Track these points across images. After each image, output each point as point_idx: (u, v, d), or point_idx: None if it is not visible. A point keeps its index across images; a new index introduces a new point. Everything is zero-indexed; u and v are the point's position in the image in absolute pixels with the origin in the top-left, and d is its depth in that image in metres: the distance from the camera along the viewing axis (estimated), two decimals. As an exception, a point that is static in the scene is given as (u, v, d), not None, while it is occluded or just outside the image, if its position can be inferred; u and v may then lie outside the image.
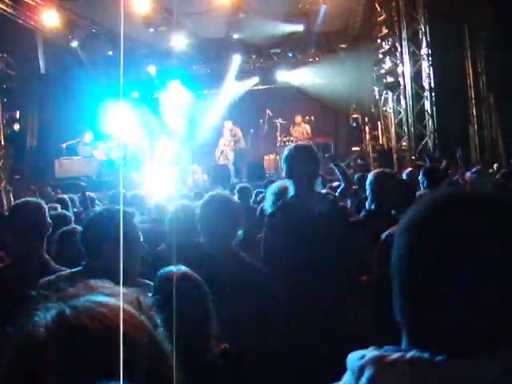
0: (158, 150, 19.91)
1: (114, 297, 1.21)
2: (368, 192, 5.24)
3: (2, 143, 17.76)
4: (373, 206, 5.13)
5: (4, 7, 17.50)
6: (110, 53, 20.78)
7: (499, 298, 1.09)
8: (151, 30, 18.41)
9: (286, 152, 4.48)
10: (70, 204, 8.49)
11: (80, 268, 3.15)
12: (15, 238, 3.79)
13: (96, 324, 1.10)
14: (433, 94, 15.19)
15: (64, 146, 19.72)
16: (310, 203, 4.05)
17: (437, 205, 1.21)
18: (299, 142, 4.68)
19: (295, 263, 3.95)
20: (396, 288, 1.21)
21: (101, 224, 3.00)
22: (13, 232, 3.82)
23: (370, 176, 5.32)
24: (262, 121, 19.68)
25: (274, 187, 5.17)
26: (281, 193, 4.89)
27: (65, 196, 9.42)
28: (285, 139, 19.21)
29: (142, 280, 3.19)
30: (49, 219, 3.80)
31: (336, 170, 6.02)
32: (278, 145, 19.46)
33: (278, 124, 19.51)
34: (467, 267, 1.10)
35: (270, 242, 4.17)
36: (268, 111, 19.60)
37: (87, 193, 8.98)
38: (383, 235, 3.77)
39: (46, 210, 3.88)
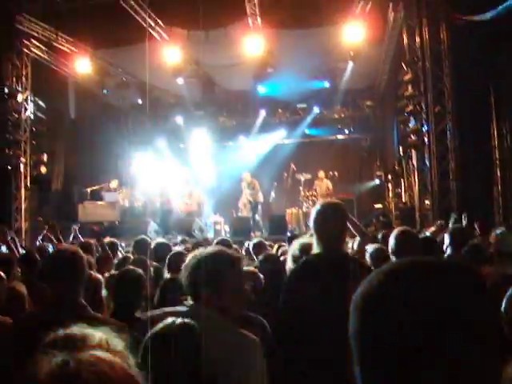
0: (182, 199, 20.01)
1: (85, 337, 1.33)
2: (390, 251, 5.19)
3: (28, 185, 17.99)
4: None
5: (39, 53, 18.00)
6: (139, 101, 21.12)
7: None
8: (180, 80, 18.68)
9: (314, 208, 4.43)
10: (94, 249, 8.56)
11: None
12: (52, 284, 3.76)
13: (94, 380, 1.16)
14: (457, 154, 15.19)
15: (89, 190, 19.93)
16: (335, 263, 3.99)
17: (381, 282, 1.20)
18: (328, 200, 4.58)
19: (315, 328, 3.85)
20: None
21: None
22: (50, 278, 3.83)
23: (392, 234, 5.27)
24: (286, 174, 19.74)
25: (297, 243, 5.13)
26: (304, 250, 4.84)
27: (91, 241, 9.50)
28: (308, 194, 19.23)
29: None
30: (87, 268, 3.80)
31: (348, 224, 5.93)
32: (300, 199, 19.47)
33: (302, 178, 19.56)
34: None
35: (289, 300, 4.10)
36: (292, 165, 19.68)
37: (110, 239, 9.02)
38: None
39: (85, 257, 3.89)
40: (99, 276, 5.16)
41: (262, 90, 20.11)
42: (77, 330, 1.41)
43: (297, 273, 4.22)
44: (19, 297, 4.66)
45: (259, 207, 19.72)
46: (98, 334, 1.40)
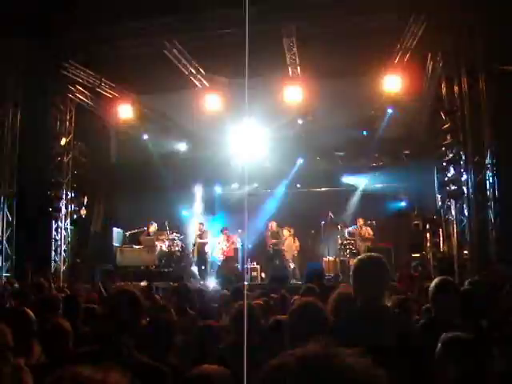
0: (219, 245, 20.09)
1: None
2: (430, 301, 5.16)
3: (68, 227, 18.27)
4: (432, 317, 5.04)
5: (84, 98, 18.45)
6: (179, 146, 21.38)
7: None
8: (220, 127, 18.94)
9: (355, 262, 4.44)
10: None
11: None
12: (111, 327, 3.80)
13: None
14: (497, 204, 15.04)
15: (127, 234, 20.14)
16: (376, 318, 3.96)
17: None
18: (369, 253, 4.56)
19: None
20: None
21: None
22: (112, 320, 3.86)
23: (432, 285, 5.24)
24: (323, 222, 19.70)
25: (336, 296, 5.11)
26: (344, 302, 4.83)
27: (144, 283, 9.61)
28: (345, 242, 19.14)
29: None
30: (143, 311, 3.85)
31: None
32: (338, 247, 19.38)
33: (339, 226, 19.50)
34: None
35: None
36: (330, 213, 19.66)
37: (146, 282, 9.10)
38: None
39: (144, 301, 3.93)
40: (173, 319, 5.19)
41: (301, 137, 20.21)
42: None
43: (337, 328, 4.20)
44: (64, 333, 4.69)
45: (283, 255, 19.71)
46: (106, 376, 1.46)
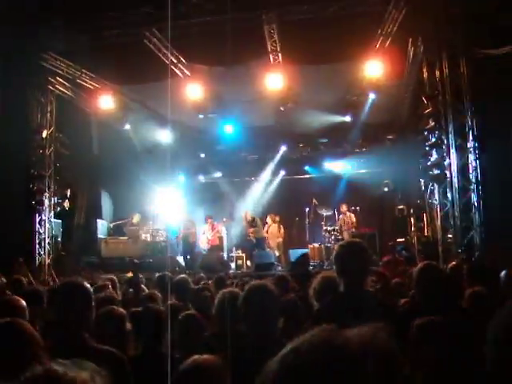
0: (204, 234, 20.07)
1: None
2: (414, 286, 5.18)
3: (52, 220, 18.16)
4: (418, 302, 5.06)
5: (64, 90, 18.30)
6: (161, 137, 21.30)
7: None
8: (201, 116, 18.87)
9: (337, 248, 4.47)
10: (117, 284, 8.63)
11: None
12: (58, 321, 3.81)
13: None
14: (479, 187, 15.11)
15: (111, 225, 20.07)
16: (359, 302, 3.99)
17: None
18: (351, 239, 4.61)
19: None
20: None
21: None
22: (56, 314, 3.88)
23: (416, 270, 5.26)
24: (307, 209, 19.72)
25: (320, 280, 5.12)
26: (327, 287, 4.84)
27: (113, 276, 9.58)
28: (329, 228, 19.17)
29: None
30: (93, 302, 3.84)
31: None
32: (323, 234, 19.41)
33: (324, 213, 19.53)
34: None
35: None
36: (314, 200, 19.68)
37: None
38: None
39: (91, 291, 3.93)
40: (122, 311, 5.19)
41: (283, 124, 20.19)
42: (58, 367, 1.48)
43: (321, 314, 4.22)
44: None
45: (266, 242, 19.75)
46: (79, 374, 1.46)
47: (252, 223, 19.74)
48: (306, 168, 23.16)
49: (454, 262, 10.16)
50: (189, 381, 2.67)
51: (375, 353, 1.11)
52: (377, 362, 1.07)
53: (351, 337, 1.17)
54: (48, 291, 6.77)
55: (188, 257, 19.43)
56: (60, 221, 18.87)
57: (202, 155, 23.36)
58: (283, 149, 22.36)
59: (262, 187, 23.07)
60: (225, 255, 20.02)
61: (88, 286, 3.98)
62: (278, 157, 22.56)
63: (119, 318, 4.88)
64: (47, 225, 17.99)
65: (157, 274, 9.21)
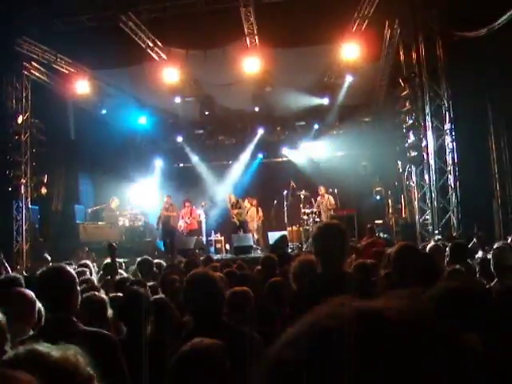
0: (182, 218, 20.04)
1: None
2: (392, 266, 5.23)
3: (29, 206, 18.04)
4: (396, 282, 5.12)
5: (39, 75, 18.11)
6: (139, 121, 21.20)
7: None
8: (178, 99, 18.80)
9: (315, 230, 4.50)
10: (92, 269, 8.62)
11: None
12: (45, 305, 3.84)
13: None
14: (456, 169, 15.25)
15: (89, 210, 19.99)
16: (336, 283, 4.01)
17: None
18: (328, 221, 4.63)
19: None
20: None
21: None
22: (42, 299, 3.90)
23: (393, 250, 5.31)
24: (285, 192, 19.73)
25: (298, 263, 5.16)
26: (306, 270, 4.87)
27: (88, 261, 9.56)
28: (308, 211, 19.21)
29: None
30: (76, 285, 3.85)
31: None
32: (301, 216, 19.45)
33: (302, 196, 19.56)
34: None
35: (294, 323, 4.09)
36: (292, 183, 19.69)
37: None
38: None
39: (73, 275, 3.94)
40: (103, 296, 5.20)
41: (260, 108, 20.16)
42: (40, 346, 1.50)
43: (299, 295, 4.26)
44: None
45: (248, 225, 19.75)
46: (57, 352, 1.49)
47: (236, 205, 19.72)
48: (284, 151, 23.17)
49: (433, 243, 10.28)
50: (189, 365, 2.70)
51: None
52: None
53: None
54: (32, 277, 6.76)
55: (168, 241, 19.39)
56: (37, 207, 18.76)
57: (180, 139, 23.28)
58: (261, 132, 22.33)
59: (241, 170, 23.05)
60: (204, 239, 20.02)
61: (71, 270, 3.99)
62: (255, 140, 22.53)
63: (100, 303, 4.89)
64: (24, 211, 17.87)
65: (138, 259, 9.20)
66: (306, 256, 5.30)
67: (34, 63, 17.77)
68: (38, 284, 3.87)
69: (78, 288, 3.87)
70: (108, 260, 8.73)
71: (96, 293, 5.15)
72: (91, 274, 8.21)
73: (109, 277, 7.99)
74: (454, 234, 14.71)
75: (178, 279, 6.80)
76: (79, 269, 8.06)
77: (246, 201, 20.36)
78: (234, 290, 5.12)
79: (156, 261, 9.78)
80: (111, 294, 5.85)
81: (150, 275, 7.76)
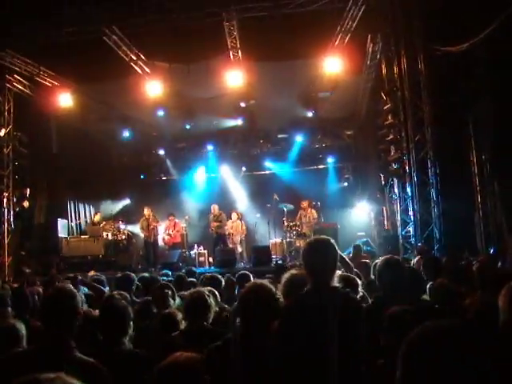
0: (165, 231, 20.03)
1: None
2: (376, 279, 5.29)
3: (11, 219, 17.93)
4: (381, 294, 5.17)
5: (22, 87, 18.04)
6: (122, 135, 21.16)
7: None
8: (161, 113, 18.81)
9: (304, 245, 4.53)
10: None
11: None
12: (45, 326, 3.79)
13: None
14: (438, 181, 15.36)
15: (72, 224, 19.90)
16: (326, 299, 4.03)
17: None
18: (317, 237, 4.65)
19: (306, 365, 3.89)
20: None
21: None
22: (43, 320, 3.86)
23: (379, 263, 5.37)
24: (269, 205, 19.77)
25: (288, 277, 5.17)
26: (295, 284, 4.88)
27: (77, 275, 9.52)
28: (291, 224, 19.25)
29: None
30: (80, 307, 3.84)
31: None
32: (284, 229, 19.49)
33: (285, 209, 19.61)
34: None
35: (282, 338, 4.13)
36: (275, 196, 19.74)
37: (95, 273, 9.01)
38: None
39: (80, 298, 3.94)
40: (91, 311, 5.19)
41: (244, 121, 20.22)
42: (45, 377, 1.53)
43: (289, 311, 4.27)
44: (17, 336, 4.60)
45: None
46: None
47: (218, 218, 19.70)
48: (267, 164, 23.24)
49: (418, 257, 10.36)
50: (169, 379, 2.72)
51: None
52: None
53: None
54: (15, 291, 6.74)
55: (151, 254, 19.36)
56: (19, 221, 18.64)
57: (163, 152, 23.32)
58: (244, 145, 22.41)
59: (225, 184, 23.09)
60: (186, 252, 19.98)
61: (76, 293, 3.97)
62: (238, 153, 22.59)
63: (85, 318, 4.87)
64: (6, 225, 17.75)
65: (118, 274, 9.16)
66: (297, 271, 5.32)
67: (16, 76, 17.70)
68: (43, 305, 3.86)
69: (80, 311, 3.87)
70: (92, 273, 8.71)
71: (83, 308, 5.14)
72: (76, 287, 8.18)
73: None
74: (436, 246, 14.83)
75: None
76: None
77: (234, 213, 20.36)
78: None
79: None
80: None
81: (131, 291, 7.71)
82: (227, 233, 19.93)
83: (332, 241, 4.42)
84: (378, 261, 5.93)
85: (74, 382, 1.59)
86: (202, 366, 2.81)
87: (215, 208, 19.98)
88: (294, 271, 5.30)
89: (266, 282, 4.65)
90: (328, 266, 4.20)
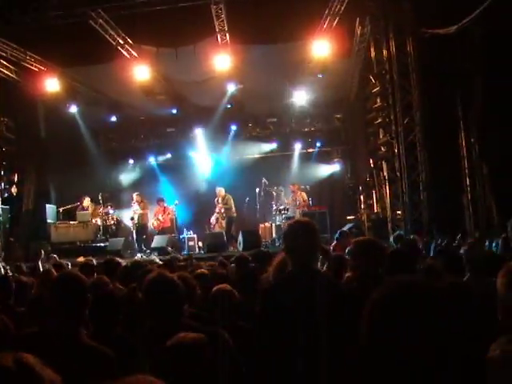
0: (155, 216, 19.99)
1: None
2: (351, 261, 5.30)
3: (0, 206, 17.84)
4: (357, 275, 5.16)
5: (8, 72, 17.87)
6: (110, 119, 21.04)
7: None
8: (149, 97, 18.67)
9: (285, 228, 4.52)
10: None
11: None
12: (50, 313, 3.76)
13: None
14: (427, 165, 15.37)
15: (61, 210, 19.80)
16: (307, 281, 4.02)
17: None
18: (299, 218, 4.66)
19: (289, 347, 3.88)
20: None
21: None
22: (48, 307, 3.82)
23: (351, 246, 5.38)
24: (257, 189, 19.73)
25: (280, 259, 5.16)
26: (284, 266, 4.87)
27: (63, 262, 9.48)
28: (280, 207, 19.24)
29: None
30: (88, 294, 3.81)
31: None
32: (273, 213, 19.49)
33: (274, 193, 19.60)
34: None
35: (263, 320, 4.13)
36: (264, 180, 19.70)
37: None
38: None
39: (87, 285, 3.90)
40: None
41: (232, 104, 20.06)
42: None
43: (270, 292, 4.26)
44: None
45: (233, 223, 19.64)
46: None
47: (225, 200, 19.55)
48: (255, 148, 23.17)
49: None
50: (175, 358, 2.72)
51: None
52: None
53: None
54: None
55: (141, 239, 19.32)
56: (8, 207, 18.55)
57: (150, 137, 23.24)
58: (233, 129, 22.32)
59: (213, 167, 23.01)
60: (176, 236, 19.92)
61: (85, 279, 3.96)
62: (229, 137, 22.50)
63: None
64: (-6, 211, 17.67)
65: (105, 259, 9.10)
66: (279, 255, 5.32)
67: (2, 61, 17.52)
68: (52, 290, 3.81)
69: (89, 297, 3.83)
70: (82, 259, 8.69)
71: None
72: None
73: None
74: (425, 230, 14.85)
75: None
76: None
77: (221, 198, 20.28)
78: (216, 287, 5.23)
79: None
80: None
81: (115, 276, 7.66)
82: (216, 217, 19.90)
83: (313, 223, 4.41)
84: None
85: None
86: (207, 346, 2.81)
87: (221, 190, 19.83)
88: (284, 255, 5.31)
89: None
90: (308, 248, 4.18)
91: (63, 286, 3.73)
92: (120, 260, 8.52)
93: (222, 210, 19.57)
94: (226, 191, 20.03)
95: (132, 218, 19.56)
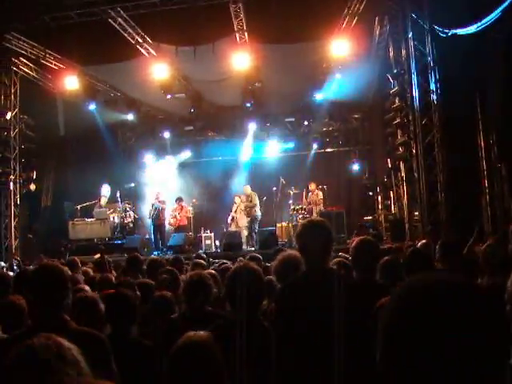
0: (171, 214, 20.01)
1: None
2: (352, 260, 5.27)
3: (18, 202, 17.97)
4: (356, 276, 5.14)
5: (28, 70, 18.02)
6: (128, 117, 21.13)
7: None
8: (168, 96, 18.70)
9: (299, 228, 4.50)
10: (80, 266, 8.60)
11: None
12: (34, 303, 3.84)
13: None
14: (445, 165, 15.28)
15: (79, 207, 19.91)
16: (320, 282, 4.01)
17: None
18: (312, 218, 4.64)
19: (304, 348, 3.88)
20: None
21: None
22: (32, 296, 3.88)
23: (353, 245, 5.34)
24: (275, 189, 19.71)
25: (284, 259, 5.16)
26: (291, 267, 4.87)
27: (76, 258, 9.51)
28: (297, 207, 19.22)
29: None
30: (68, 283, 3.84)
31: None
32: (290, 213, 19.47)
33: (291, 192, 19.57)
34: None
35: (279, 322, 4.13)
36: (281, 179, 19.68)
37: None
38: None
39: (67, 273, 3.94)
40: (94, 294, 5.18)
41: (250, 104, 20.01)
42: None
43: (283, 292, 4.27)
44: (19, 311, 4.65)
45: (256, 221, 19.56)
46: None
47: (248, 199, 19.52)
48: (274, 147, 23.15)
49: (424, 240, 10.31)
50: (186, 359, 2.73)
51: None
52: None
53: None
54: (23, 275, 6.73)
55: (158, 236, 19.37)
56: (26, 203, 18.68)
57: (168, 135, 23.26)
58: (251, 129, 22.28)
59: (232, 167, 23.00)
60: (192, 235, 19.96)
61: (64, 268, 3.99)
62: (245, 136, 22.48)
63: (91, 301, 4.86)
64: (13, 208, 17.80)
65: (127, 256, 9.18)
66: (289, 253, 5.30)
67: (22, 59, 17.67)
68: (31, 280, 3.87)
69: (70, 286, 3.87)
70: (97, 256, 8.73)
71: (88, 293, 5.14)
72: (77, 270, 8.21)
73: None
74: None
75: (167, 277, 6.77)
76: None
77: (237, 198, 20.27)
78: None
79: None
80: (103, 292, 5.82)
81: (139, 272, 7.72)
82: (232, 216, 19.93)
83: (327, 223, 4.40)
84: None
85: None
86: (216, 345, 2.83)
87: (247, 188, 19.80)
88: (285, 253, 5.30)
89: (253, 263, 4.69)
90: (322, 248, 4.17)
91: (41, 276, 3.77)
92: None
93: (248, 209, 19.49)
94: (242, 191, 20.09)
95: (152, 215, 19.57)
